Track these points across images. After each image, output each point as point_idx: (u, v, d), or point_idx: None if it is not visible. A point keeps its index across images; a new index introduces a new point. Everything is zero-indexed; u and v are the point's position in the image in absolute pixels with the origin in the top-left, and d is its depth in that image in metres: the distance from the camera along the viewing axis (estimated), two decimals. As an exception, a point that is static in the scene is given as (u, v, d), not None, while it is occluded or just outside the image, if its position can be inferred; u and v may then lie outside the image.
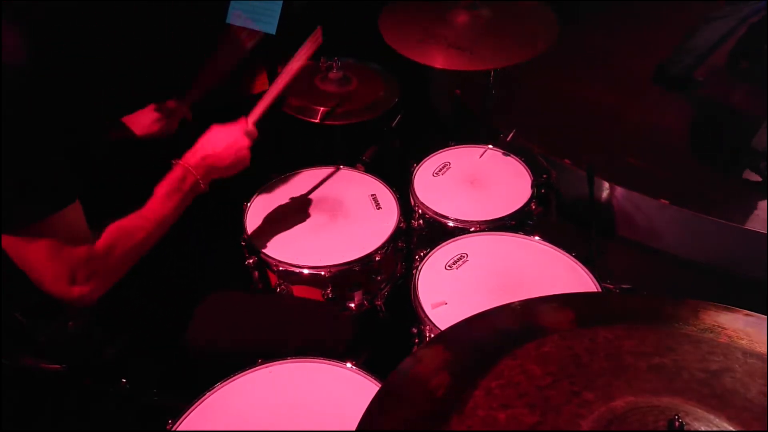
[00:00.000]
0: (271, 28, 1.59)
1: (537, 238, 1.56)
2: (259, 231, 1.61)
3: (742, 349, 0.74)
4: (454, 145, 1.95)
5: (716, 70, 3.35)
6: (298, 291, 1.57)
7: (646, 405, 0.67)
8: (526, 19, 1.91)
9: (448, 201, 1.71)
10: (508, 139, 1.89)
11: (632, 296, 1.34)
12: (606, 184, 2.49)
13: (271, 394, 1.15)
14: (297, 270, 1.51)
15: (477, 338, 0.82)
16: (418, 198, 1.73)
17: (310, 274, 1.51)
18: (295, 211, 1.67)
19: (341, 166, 1.84)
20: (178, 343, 1.37)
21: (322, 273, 1.51)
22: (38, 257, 1.05)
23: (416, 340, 1.48)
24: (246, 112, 1.44)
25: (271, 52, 2.07)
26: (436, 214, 1.67)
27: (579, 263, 1.47)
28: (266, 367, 1.20)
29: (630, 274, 2.25)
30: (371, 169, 1.83)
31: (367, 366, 1.19)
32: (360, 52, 2.13)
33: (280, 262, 1.52)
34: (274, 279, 1.58)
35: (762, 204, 2.46)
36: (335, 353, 1.27)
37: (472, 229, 1.63)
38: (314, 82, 2.03)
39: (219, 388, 1.16)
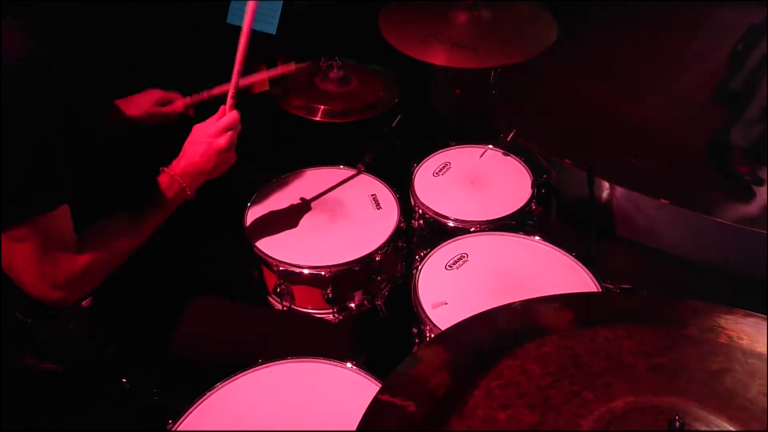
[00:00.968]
0: (271, 28, 1.59)
1: (537, 238, 1.56)
2: (259, 231, 1.60)
3: (742, 349, 0.74)
4: (454, 145, 1.95)
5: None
6: (298, 291, 1.57)
7: (646, 405, 0.67)
8: (526, 19, 1.91)
9: (449, 201, 1.71)
10: (508, 139, 1.89)
11: (632, 296, 1.34)
12: (606, 184, 2.49)
13: (271, 393, 1.15)
14: (297, 270, 1.51)
15: (477, 338, 0.82)
16: (418, 198, 1.73)
17: (311, 274, 1.51)
18: (296, 211, 1.67)
19: (341, 166, 1.84)
20: (165, 353, 1.36)
21: (323, 273, 1.51)
22: (22, 259, 1.05)
23: (416, 340, 1.48)
24: (245, 112, 1.43)
25: (271, 52, 2.07)
26: (437, 214, 1.67)
27: (579, 263, 1.47)
28: (266, 367, 1.20)
29: (630, 274, 2.24)
30: (371, 169, 1.83)
31: (367, 366, 1.19)
32: (360, 52, 2.13)
33: (280, 262, 1.52)
34: (273, 279, 1.58)
35: (762, 204, 2.46)
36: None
37: (473, 229, 1.63)
38: (314, 81, 2.03)
39: (219, 388, 1.16)
